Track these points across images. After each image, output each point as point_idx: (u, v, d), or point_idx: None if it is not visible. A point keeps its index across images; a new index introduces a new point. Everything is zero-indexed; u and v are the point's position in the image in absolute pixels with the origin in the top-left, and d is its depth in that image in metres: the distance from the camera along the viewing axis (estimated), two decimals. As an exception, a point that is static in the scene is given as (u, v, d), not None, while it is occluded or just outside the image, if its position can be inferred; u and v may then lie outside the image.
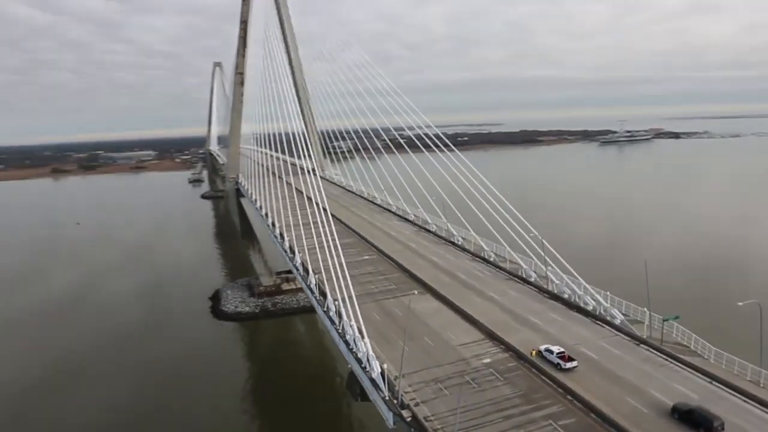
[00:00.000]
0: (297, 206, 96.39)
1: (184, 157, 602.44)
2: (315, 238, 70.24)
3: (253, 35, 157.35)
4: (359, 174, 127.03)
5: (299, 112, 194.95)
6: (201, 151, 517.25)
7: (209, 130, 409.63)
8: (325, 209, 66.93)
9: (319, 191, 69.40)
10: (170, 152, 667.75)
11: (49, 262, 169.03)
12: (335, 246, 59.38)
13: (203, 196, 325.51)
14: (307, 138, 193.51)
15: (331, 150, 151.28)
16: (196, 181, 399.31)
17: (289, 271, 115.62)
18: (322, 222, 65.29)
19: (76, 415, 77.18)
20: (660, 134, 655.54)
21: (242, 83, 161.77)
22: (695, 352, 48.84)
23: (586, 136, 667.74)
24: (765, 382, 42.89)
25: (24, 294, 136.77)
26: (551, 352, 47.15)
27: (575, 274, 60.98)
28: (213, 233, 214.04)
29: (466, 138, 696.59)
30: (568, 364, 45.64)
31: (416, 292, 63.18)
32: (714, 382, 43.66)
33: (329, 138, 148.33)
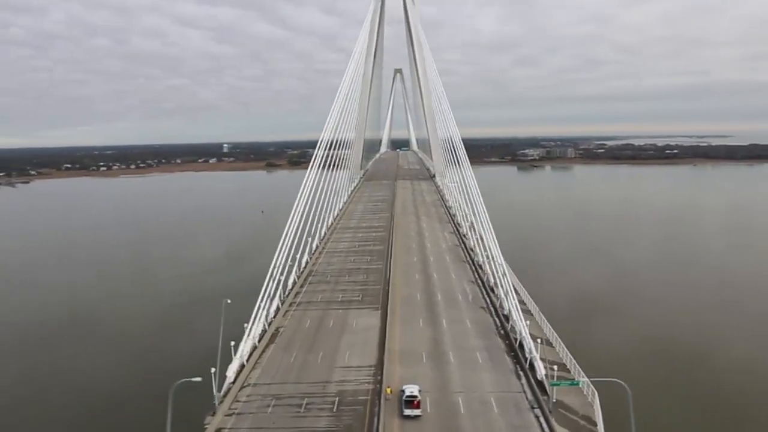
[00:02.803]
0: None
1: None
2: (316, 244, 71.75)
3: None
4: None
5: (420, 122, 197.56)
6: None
7: (383, 133, 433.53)
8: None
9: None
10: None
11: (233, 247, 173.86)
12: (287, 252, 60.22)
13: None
14: (430, 146, 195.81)
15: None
16: None
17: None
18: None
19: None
20: None
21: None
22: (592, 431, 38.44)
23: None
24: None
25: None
26: (404, 393, 41.74)
27: (520, 315, 51.98)
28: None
29: (675, 151, 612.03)
30: (408, 411, 39.97)
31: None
32: (571, 475, 34.21)
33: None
